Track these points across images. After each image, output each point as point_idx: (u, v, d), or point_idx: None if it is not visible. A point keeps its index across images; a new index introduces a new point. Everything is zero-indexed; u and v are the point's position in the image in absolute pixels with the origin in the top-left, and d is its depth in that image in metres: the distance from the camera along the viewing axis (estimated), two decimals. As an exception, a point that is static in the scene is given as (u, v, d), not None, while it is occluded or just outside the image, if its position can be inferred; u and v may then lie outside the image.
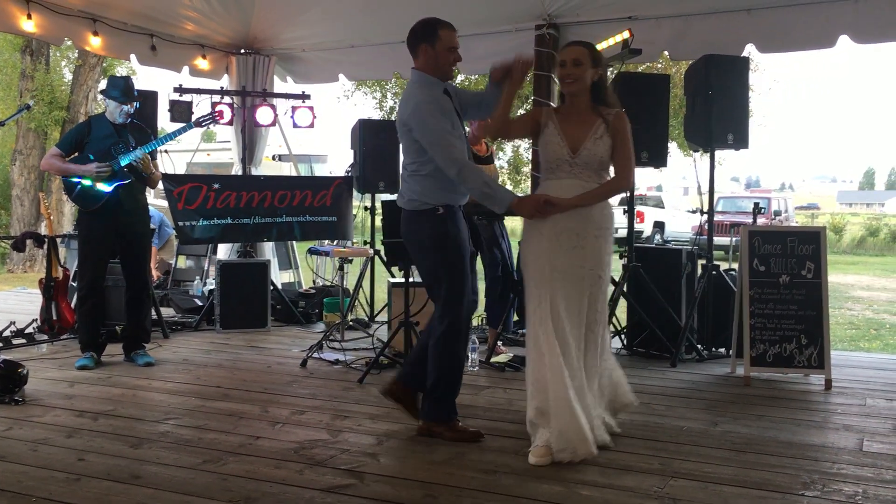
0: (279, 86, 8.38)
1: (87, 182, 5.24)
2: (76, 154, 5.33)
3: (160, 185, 6.23)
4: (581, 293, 3.69)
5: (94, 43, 6.82)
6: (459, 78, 17.06)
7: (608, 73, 3.90)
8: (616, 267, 6.05)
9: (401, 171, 3.98)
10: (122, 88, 5.31)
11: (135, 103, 5.40)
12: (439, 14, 4.03)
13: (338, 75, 8.15)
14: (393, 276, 6.68)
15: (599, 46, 5.73)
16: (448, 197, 3.83)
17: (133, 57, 7.35)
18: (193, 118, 6.16)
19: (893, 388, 5.00)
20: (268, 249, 8.02)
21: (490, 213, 5.78)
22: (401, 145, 3.98)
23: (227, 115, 7.15)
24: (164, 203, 7.50)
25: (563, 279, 3.65)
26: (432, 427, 3.89)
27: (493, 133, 4.25)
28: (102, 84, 14.81)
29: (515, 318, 6.37)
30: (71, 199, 5.47)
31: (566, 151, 3.70)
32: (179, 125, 6.09)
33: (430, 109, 3.76)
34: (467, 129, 5.18)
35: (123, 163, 5.28)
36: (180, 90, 7.11)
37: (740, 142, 5.67)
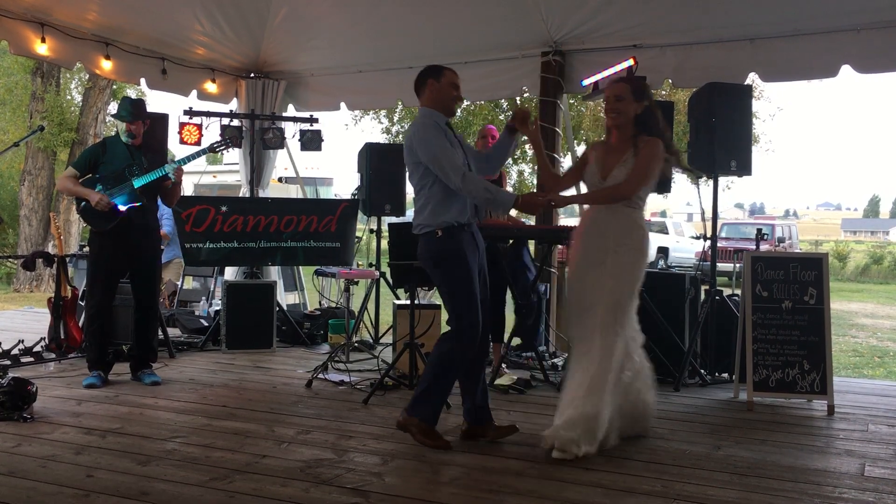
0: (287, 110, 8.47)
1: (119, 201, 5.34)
2: (90, 175, 5.41)
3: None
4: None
5: (106, 67, 6.94)
6: (465, 103, 17.20)
7: (652, 104, 4.14)
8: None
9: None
10: (129, 109, 5.40)
11: (142, 122, 5.46)
12: (448, 41, 4.22)
13: (339, 104, 8.25)
14: (398, 298, 6.73)
15: (602, 74, 5.85)
16: (445, 217, 4.04)
17: (143, 81, 7.47)
18: (208, 143, 6.23)
19: (896, 415, 5.03)
20: (274, 271, 8.07)
21: (513, 237, 5.91)
22: (407, 175, 4.24)
23: (239, 139, 7.26)
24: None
25: (590, 292, 4.08)
26: (408, 422, 4.06)
27: (552, 192, 4.53)
28: (112, 106, 15.01)
29: (518, 341, 6.41)
30: (83, 219, 5.54)
31: (598, 178, 4.14)
32: (191, 148, 6.16)
33: (432, 130, 4.07)
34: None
35: (137, 185, 5.35)
36: (190, 113, 7.21)
37: (743, 168, 5.74)
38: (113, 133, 5.58)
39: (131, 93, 16.45)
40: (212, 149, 6.07)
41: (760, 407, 5.13)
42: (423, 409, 4.05)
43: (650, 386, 4.36)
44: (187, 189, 7.49)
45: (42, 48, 6.41)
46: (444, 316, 6.00)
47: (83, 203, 5.34)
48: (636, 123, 4.09)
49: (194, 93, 7.89)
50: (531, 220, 7.06)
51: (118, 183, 5.34)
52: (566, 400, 4.05)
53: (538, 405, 5.08)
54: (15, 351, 6.06)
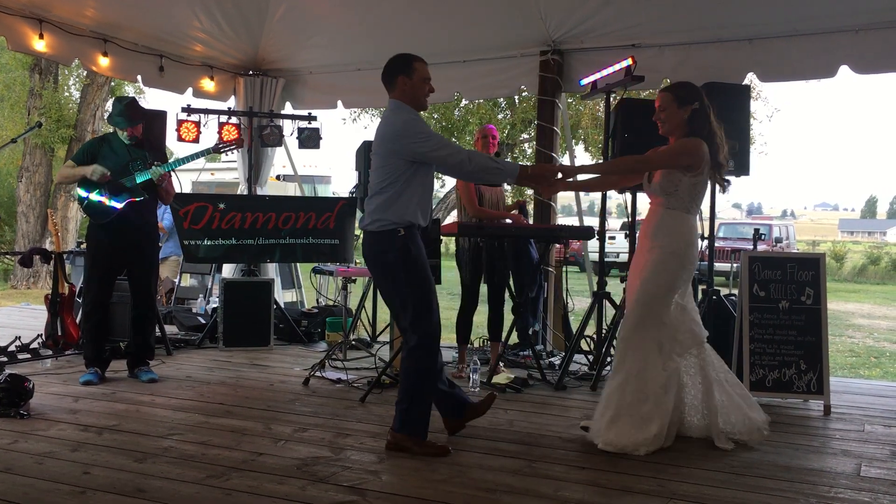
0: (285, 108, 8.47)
1: (95, 198, 5.31)
2: None
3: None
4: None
5: (103, 63, 6.92)
6: (463, 102, 17.20)
7: (703, 105, 4.12)
8: (618, 291, 6.13)
9: (367, 196, 4.07)
10: (124, 114, 5.37)
11: (139, 122, 5.45)
12: (447, 40, 4.17)
13: (336, 102, 8.24)
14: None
15: (601, 73, 5.84)
16: (411, 217, 3.93)
17: (140, 78, 7.46)
18: (214, 144, 6.22)
19: (892, 415, 5.03)
20: (271, 269, 8.08)
21: (511, 236, 5.91)
22: (371, 167, 4.07)
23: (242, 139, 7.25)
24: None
25: (631, 292, 4.24)
26: (400, 440, 3.95)
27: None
28: (110, 103, 14.98)
29: (516, 339, 6.41)
30: (83, 210, 5.53)
31: (647, 181, 4.24)
32: (192, 145, 6.13)
33: (423, 124, 4.00)
34: None
35: (139, 180, 5.36)
36: (188, 110, 7.21)
37: (741, 168, 5.73)
38: (111, 129, 5.56)
39: (129, 90, 16.44)
40: (216, 149, 6.04)
41: (757, 407, 5.13)
42: (411, 427, 3.94)
43: (694, 389, 4.26)
44: (185, 186, 7.47)
45: (40, 44, 6.41)
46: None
47: (85, 201, 5.32)
48: (688, 127, 4.12)
49: (190, 90, 7.87)
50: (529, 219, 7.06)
51: (121, 178, 5.34)
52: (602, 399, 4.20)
53: (535, 404, 5.08)
54: (12, 348, 6.05)
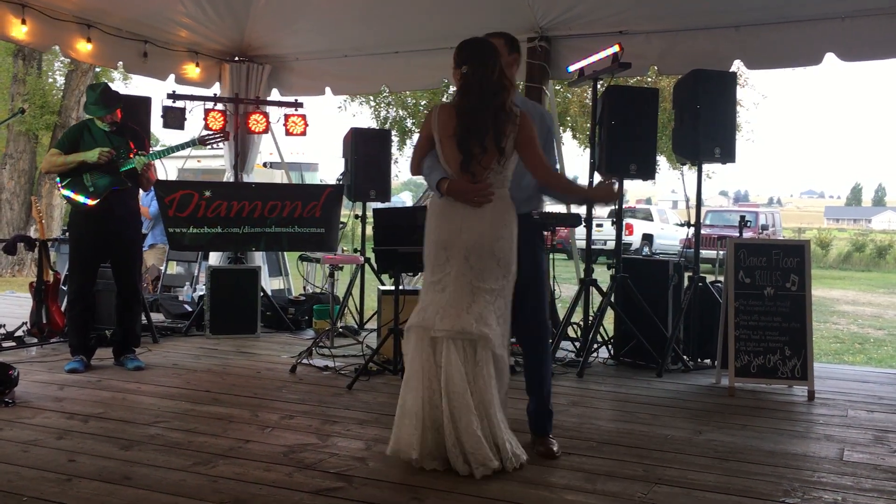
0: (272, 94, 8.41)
1: (65, 192, 5.29)
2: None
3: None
4: None
5: (84, 50, 6.78)
6: (452, 88, 17.12)
7: (475, 74, 3.52)
8: (605, 278, 6.16)
9: None
10: (101, 102, 5.30)
11: (117, 107, 5.39)
12: (434, 26, 4.10)
13: (324, 89, 8.19)
14: (383, 283, 6.73)
15: (588, 60, 5.83)
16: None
17: (121, 64, 7.38)
18: (199, 135, 6.17)
19: (875, 400, 5.08)
20: (258, 256, 8.05)
21: None
22: None
23: (226, 127, 7.19)
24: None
25: None
26: (550, 444, 3.78)
27: None
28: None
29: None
30: (64, 198, 5.49)
31: None
32: (177, 132, 6.08)
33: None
34: None
35: (122, 169, 5.32)
36: (174, 97, 7.15)
37: (727, 156, 5.76)
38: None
39: (116, 75, 16.29)
40: (202, 140, 5.96)
41: (742, 392, 5.17)
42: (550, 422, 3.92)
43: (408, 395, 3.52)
44: (171, 173, 7.42)
45: (22, 31, 6.27)
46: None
47: (67, 183, 5.29)
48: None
49: (172, 77, 7.76)
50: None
51: (104, 166, 5.30)
52: None
53: (522, 391, 5.04)
54: (-4, 336, 6.02)
